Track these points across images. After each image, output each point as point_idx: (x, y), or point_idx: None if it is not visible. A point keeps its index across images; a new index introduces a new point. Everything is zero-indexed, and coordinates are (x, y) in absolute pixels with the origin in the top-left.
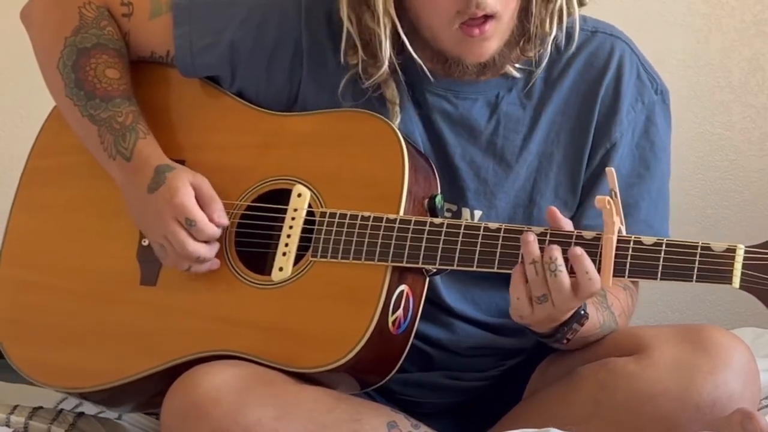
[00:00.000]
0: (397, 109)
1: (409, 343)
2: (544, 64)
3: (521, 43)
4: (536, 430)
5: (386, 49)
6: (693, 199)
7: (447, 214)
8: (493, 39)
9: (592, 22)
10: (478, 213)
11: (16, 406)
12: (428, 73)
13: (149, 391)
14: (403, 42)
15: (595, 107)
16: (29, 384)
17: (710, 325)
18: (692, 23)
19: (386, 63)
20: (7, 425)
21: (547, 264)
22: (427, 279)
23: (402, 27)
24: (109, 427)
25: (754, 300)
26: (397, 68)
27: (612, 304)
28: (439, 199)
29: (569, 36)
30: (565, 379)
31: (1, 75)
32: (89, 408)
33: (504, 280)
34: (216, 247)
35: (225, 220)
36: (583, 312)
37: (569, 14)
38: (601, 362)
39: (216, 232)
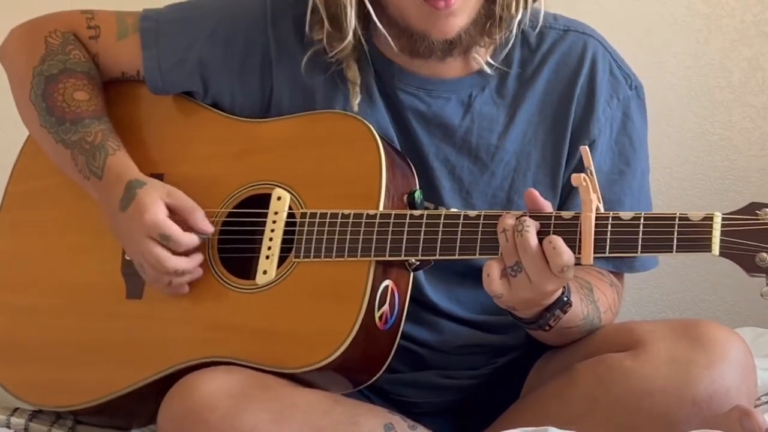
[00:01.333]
0: (357, 89)
1: (398, 338)
2: (516, 61)
3: (488, 25)
4: (534, 429)
5: (351, 20)
6: (693, 199)
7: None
8: (460, 15)
9: (563, 21)
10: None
11: (16, 409)
12: (392, 44)
13: (142, 407)
14: (368, 19)
15: (571, 106)
16: None
17: (706, 320)
18: (692, 23)
19: (351, 34)
20: (8, 427)
21: (516, 227)
22: (411, 275)
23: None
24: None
25: (755, 300)
26: (362, 40)
27: (598, 299)
28: (418, 194)
29: (541, 34)
30: (562, 376)
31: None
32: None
33: None
34: (198, 257)
35: (209, 227)
36: (566, 299)
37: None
38: (597, 358)
39: (193, 241)
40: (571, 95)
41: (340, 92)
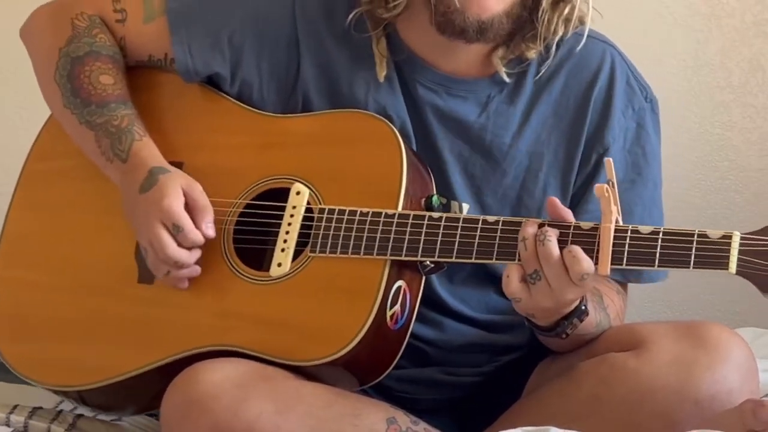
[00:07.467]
0: (385, 63)
1: (406, 339)
2: (534, 63)
3: (524, 34)
4: (536, 428)
5: None
6: (693, 199)
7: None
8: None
9: (581, 27)
10: (465, 206)
11: (15, 406)
12: (428, 19)
13: (147, 391)
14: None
15: (587, 111)
16: (29, 384)
17: (709, 321)
18: (692, 23)
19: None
20: (7, 425)
21: (538, 236)
22: (424, 278)
23: None
24: (109, 427)
25: (754, 300)
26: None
27: (608, 306)
28: (435, 199)
29: (560, 39)
30: (564, 375)
31: (2, 74)
32: (87, 412)
33: (493, 278)
34: (197, 254)
35: (212, 232)
36: (584, 307)
37: (574, 26)
38: (600, 358)
39: (200, 239)
40: (587, 101)
41: (364, 68)
